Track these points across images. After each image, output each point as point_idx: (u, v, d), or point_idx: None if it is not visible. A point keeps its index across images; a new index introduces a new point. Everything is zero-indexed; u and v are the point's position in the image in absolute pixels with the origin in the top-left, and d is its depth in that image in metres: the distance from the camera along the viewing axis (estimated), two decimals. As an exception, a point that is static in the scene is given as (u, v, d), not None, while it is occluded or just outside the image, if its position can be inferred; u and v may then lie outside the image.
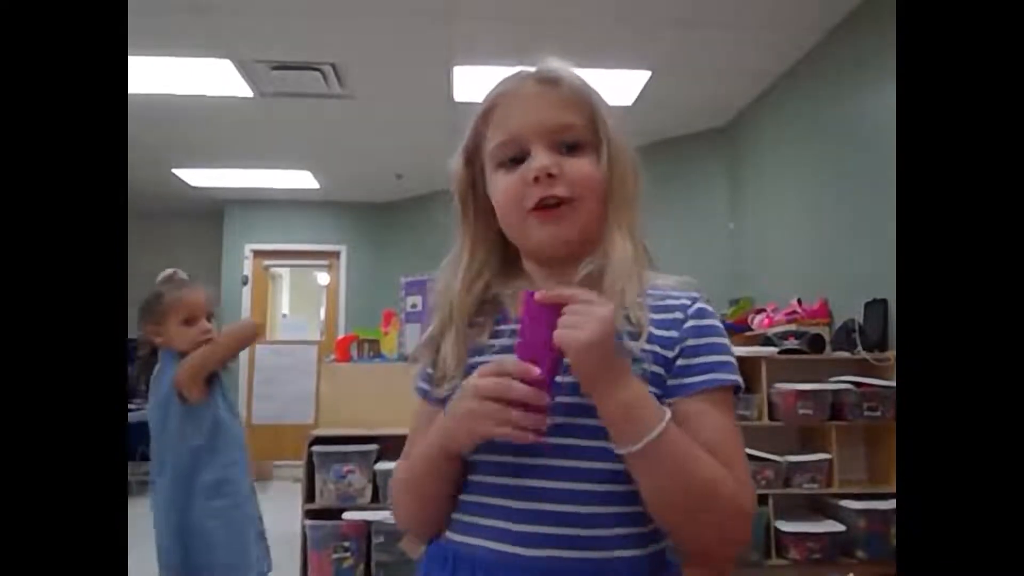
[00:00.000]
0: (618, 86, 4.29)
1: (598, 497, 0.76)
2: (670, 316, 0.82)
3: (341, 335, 5.38)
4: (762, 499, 2.87)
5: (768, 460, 2.88)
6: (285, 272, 8.39)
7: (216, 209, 7.51)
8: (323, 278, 7.94)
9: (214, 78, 4.28)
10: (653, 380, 0.79)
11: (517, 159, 0.83)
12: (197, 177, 6.53)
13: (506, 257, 0.90)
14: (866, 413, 2.84)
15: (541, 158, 0.81)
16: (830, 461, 2.89)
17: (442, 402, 0.85)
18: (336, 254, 7.63)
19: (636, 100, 4.47)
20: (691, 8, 3.49)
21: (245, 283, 7.51)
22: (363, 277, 7.46)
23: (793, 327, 3.41)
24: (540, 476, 0.77)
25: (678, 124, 5.04)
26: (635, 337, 0.78)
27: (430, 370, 0.89)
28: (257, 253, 7.59)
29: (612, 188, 0.84)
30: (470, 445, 0.77)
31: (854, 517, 2.81)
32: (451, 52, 3.96)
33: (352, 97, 4.59)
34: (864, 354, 2.96)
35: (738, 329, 3.86)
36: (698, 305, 0.84)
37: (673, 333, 0.81)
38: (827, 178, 3.75)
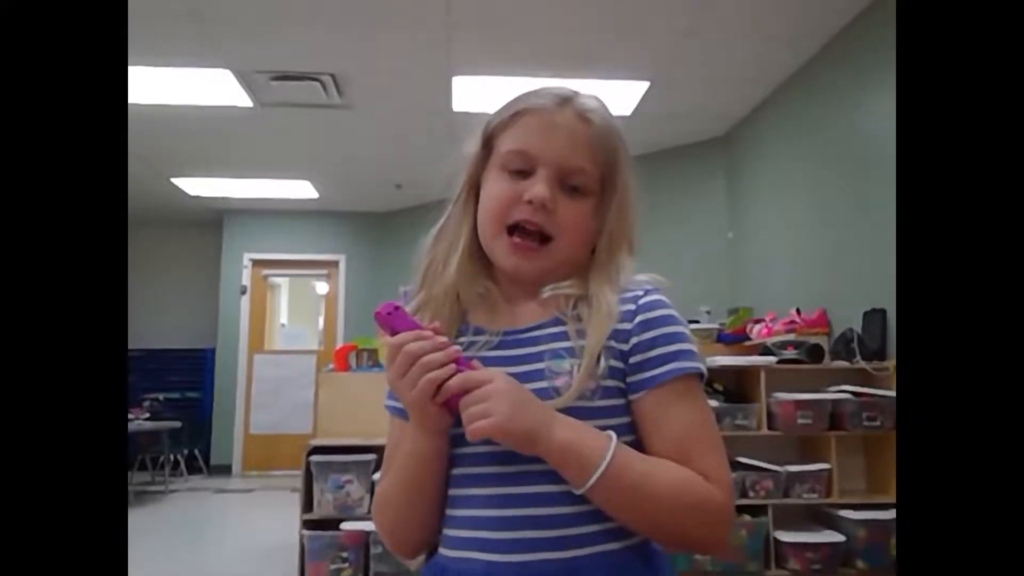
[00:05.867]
0: (617, 96, 4.31)
1: (570, 497, 0.76)
2: (623, 308, 0.82)
3: (340, 344, 5.38)
4: (761, 509, 2.87)
5: (767, 470, 2.87)
6: (284, 281, 8.39)
7: (215, 218, 7.52)
8: (322, 287, 7.95)
9: (214, 88, 4.30)
10: (613, 374, 0.80)
11: (522, 171, 0.84)
12: (196, 186, 6.54)
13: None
14: (865, 423, 2.84)
15: (542, 187, 0.82)
16: (829, 471, 2.88)
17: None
18: (335, 263, 7.64)
19: (634, 110, 4.49)
20: (689, 19, 3.51)
21: (244, 292, 7.51)
22: (362, 286, 7.46)
23: (792, 337, 3.41)
24: (512, 483, 0.78)
25: (676, 134, 5.06)
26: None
27: None
28: (256, 262, 7.59)
29: (610, 237, 0.85)
30: (434, 418, 0.78)
31: (854, 527, 2.80)
32: (450, 63, 3.97)
33: (351, 107, 4.60)
34: (863, 364, 2.96)
35: (737, 339, 3.86)
36: (650, 297, 0.83)
37: (626, 325, 0.81)
38: (826, 187, 3.76)
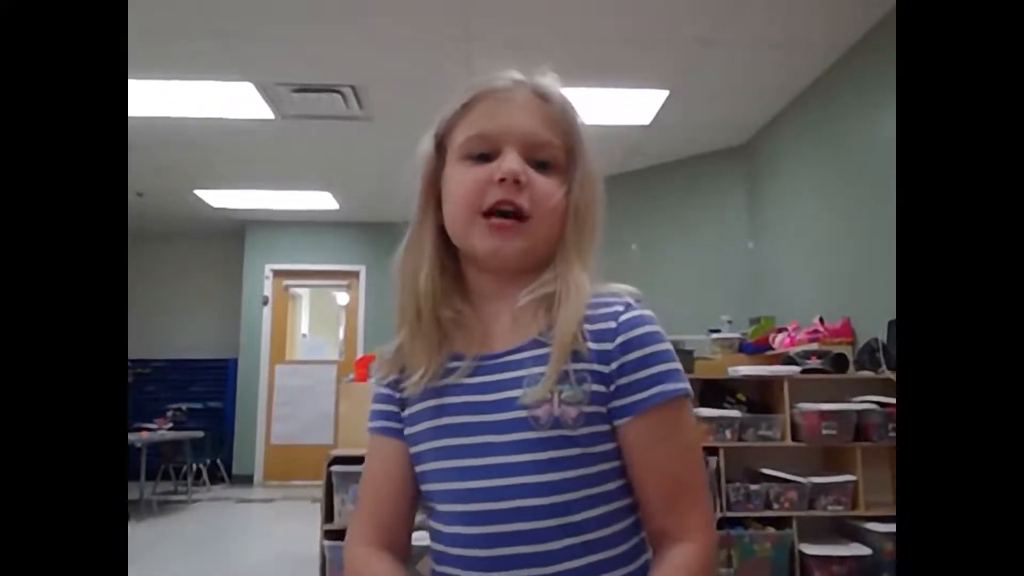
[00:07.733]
0: (636, 105, 4.30)
1: (550, 510, 0.74)
2: (603, 326, 0.77)
3: (360, 355, 5.40)
4: (786, 521, 2.83)
5: (792, 481, 2.83)
6: (305, 292, 8.44)
7: (237, 230, 7.59)
8: (342, 298, 7.98)
9: (236, 101, 4.35)
10: (595, 399, 0.75)
11: (485, 156, 0.80)
12: (219, 198, 6.61)
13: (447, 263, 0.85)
14: (891, 434, 2.79)
15: (512, 162, 0.78)
16: (855, 483, 2.83)
17: (399, 423, 0.83)
18: (355, 274, 7.67)
19: (654, 119, 4.48)
20: (708, 28, 3.50)
21: (265, 303, 7.57)
22: (382, 297, 7.48)
23: (815, 346, 3.37)
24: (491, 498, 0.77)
25: (696, 143, 5.04)
26: (579, 361, 0.76)
27: (395, 388, 0.85)
28: (277, 273, 7.65)
29: (576, 213, 0.81)
30: None
31: (881, 540, 2.75)
32: (469, 74, 3.98)
33: (371, 119, 4.63)
34: (888, 374, 2.91)
35: (759, 348, 3.82)
36: (630, 314, 0.77)
37: (607, 345, 0.76)
38: (847, 195, 3.72)
